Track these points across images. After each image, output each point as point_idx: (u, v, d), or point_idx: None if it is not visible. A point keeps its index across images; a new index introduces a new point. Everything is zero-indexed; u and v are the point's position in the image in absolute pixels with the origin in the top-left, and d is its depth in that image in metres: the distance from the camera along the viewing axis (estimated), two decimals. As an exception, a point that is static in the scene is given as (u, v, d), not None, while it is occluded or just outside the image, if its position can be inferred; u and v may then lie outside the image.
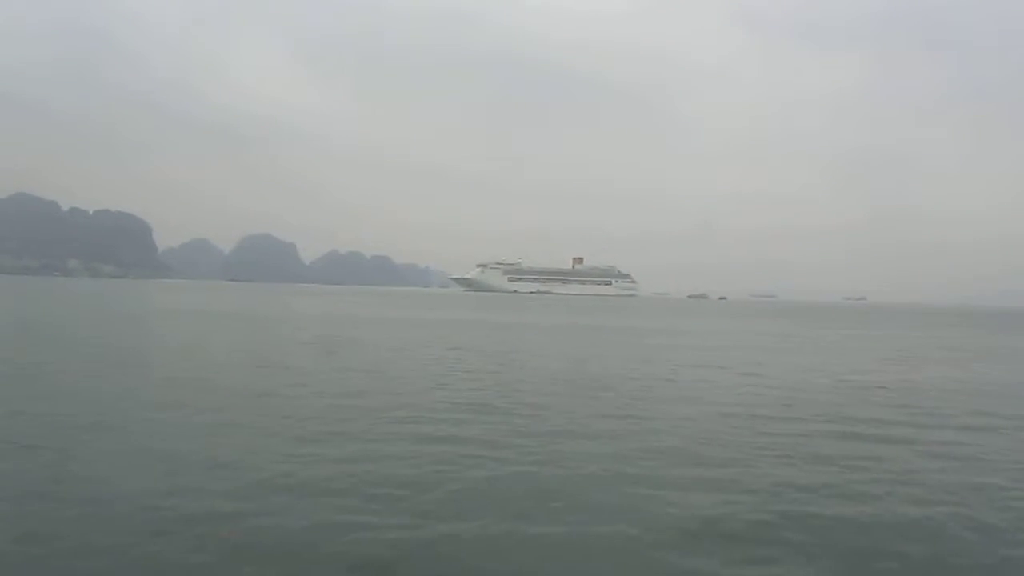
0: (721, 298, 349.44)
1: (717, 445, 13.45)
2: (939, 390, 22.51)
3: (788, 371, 27.11)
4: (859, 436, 14.63)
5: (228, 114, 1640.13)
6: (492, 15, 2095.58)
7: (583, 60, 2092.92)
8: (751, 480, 10.96)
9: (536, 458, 12.00)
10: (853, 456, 12.72)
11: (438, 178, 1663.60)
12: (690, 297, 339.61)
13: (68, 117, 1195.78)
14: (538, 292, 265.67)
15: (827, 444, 13.76)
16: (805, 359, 33.23)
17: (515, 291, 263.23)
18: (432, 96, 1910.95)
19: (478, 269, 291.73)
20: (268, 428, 13.67)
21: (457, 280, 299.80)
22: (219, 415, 15.00)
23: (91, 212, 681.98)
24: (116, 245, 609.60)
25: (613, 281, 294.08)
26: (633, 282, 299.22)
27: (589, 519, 9.09)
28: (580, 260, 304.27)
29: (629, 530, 8.67)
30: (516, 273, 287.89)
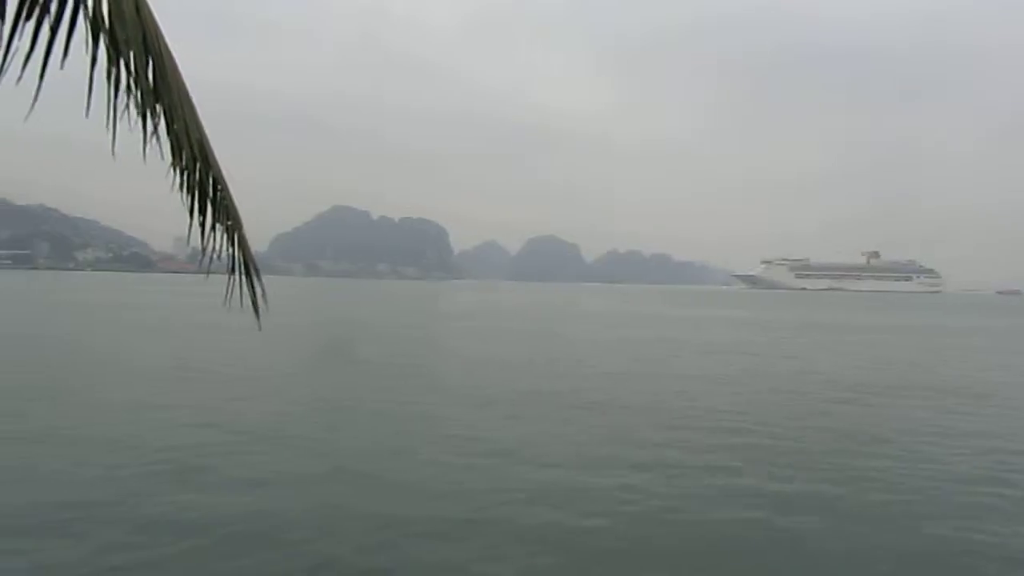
0: None
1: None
2: None
3: None
4: None
5: (512, 118, 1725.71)
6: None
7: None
8: None
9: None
10: None
11: (722, 175, 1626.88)
12: (999, 294, 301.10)
13: (373, 135, 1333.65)
14: (828, 289, 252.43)
15: None
16: None
17: (803, 288, 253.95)
18: (710, 90, 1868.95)
19: (763, 266, 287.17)
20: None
21: (740, 277, 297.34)
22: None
23: (397, 220, 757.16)
24: (418, 249, 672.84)
25: (914, 277, 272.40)
26: (937, 277, 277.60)
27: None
28: (875, 254, 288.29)
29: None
30: (803, 270, 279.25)
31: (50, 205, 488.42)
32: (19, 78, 2.58)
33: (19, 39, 2.59)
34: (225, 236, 3.13)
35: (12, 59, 2.58)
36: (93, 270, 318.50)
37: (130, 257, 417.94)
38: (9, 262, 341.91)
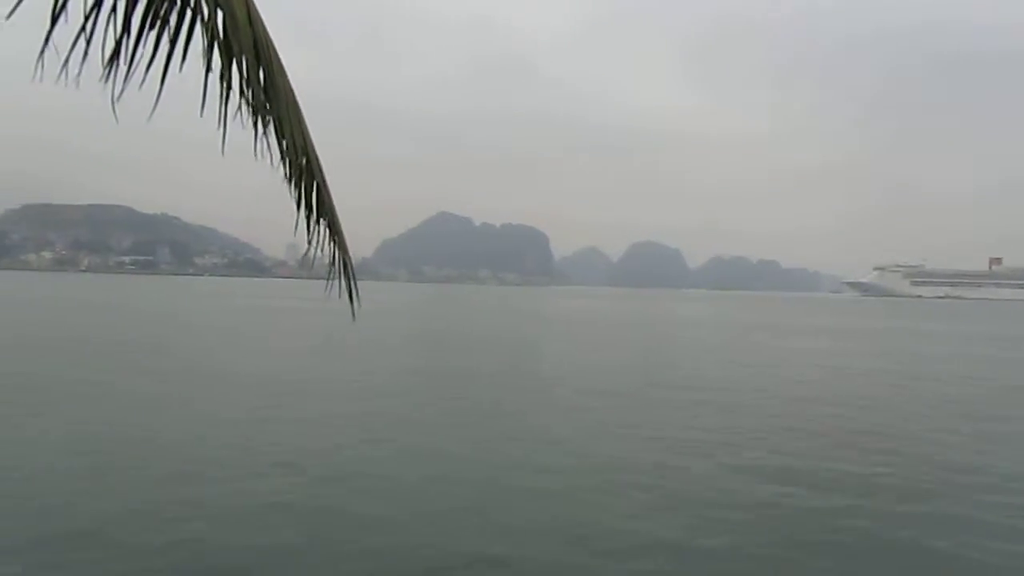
0: None
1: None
2: None
3: None
4: None
5: (612, 125, 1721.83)
6: None
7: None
8: None
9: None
10: None
11: (834, 175, 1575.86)
12: None
13: (481, 145, 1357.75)
14: (946, 297, 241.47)
15: None
16: None
17: (918, 296, 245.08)
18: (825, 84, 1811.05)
19: (875, 272, 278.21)
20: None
21: (851, 284, 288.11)
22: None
23: (498, 226, 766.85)
24: (518, 255, 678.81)
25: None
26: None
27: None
28: (998, 261, 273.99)
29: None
30: (919, 276, 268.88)
31: (172, 213, 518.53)
32: (142, 82, 2.81)
33: (143, 47, 2.81)
34: (328, 237, 3.34)
35: (136, 67, 2.81)
36: (210, 275, 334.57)
37: (245, 263, 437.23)
38: (133, 267, 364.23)
